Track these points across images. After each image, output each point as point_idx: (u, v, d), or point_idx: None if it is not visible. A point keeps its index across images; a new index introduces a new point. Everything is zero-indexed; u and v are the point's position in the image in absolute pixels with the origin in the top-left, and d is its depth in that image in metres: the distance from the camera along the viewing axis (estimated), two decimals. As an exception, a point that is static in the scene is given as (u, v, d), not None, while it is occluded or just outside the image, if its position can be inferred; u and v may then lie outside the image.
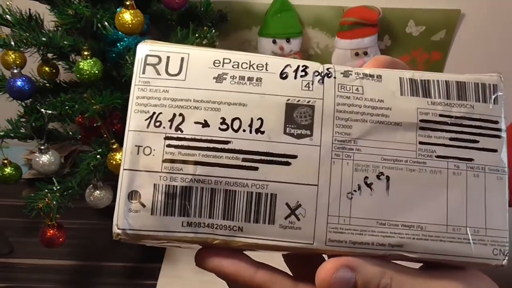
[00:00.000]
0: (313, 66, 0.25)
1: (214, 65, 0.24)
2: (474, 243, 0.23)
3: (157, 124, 0.23)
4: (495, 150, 0.24)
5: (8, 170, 0.68)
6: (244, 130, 0.23)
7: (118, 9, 0.63)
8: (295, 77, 0.24)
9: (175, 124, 0.23)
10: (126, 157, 0.23)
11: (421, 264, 0.26)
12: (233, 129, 0.23)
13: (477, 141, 0.24)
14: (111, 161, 0.65)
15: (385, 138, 0.24)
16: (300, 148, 0.23)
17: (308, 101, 0.24)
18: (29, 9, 0.67)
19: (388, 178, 0.23)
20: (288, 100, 0.24)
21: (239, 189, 0.23)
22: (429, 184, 0.24)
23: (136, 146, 0.23)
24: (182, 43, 0.67)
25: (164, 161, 0.23)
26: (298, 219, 0.23)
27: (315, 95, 0.24)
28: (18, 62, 0.68)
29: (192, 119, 0.23)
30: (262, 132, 0.23)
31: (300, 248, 0.23)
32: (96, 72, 0.63)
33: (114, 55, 0.70)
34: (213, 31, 0.71)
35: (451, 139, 0.24)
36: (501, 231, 0.24)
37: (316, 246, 0.23)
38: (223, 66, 0.24)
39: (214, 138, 0.23)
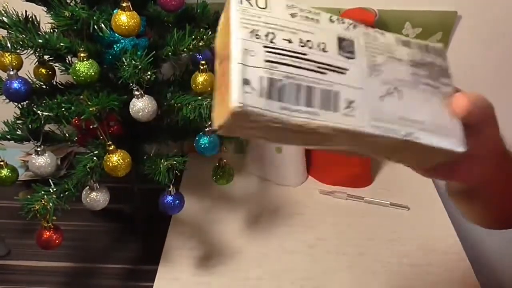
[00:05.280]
0: (347, 19, 0.36)
1: (287, 6, 0.34)
2: (447, 136, 0.36)
3: (257, 36, 0.32)
4: (449, 85, 0.38)
5: (4, 172, 0.68)
6: (315, 48, 0.33)
7: (114, 11, 0.63)
8: (338, 23, 0.36)
9: (269, 38, 0.32)
10: (238, 54, 0.31)
11: None
12: (308, 47, 0.33)
13: (439, 79, 0.38)
14: (108, 163, 0.65)
15: (395, 66, 0.36)
16: (349, 64, 0.34)
17: (350, 37, 0.35)
18: (26, 11, 0.67)
19: (400, 90, 0.35)
20: (339, 35, 0.35)
21: (315, 86, 0.32)
22: (422, 97, 0.36)
23: (245, 49, 0.31)
24: (179, 43, 0.67)
25: (265, 61, 0.31)
26: (353, 110, 0.33)
27: (353, 34, 0.36)
28: (14, 64, 0.68)
29: (280, 37, 0.32)
30: (326, 51, 0.34)
31: (353, 130, 0.33)
32: (93, 74, 0.63)
33: (110, 57, 0.69)
34: (210, 32, 0.71)
35: (428, 75, 0.37)
36: (458, 130, 0.37)
37: (365, 129, 0.33)
38: (293, 8, 0.34)
39: (296, 50, 0.33)
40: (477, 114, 0.37)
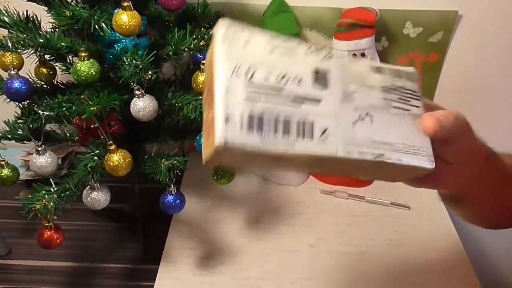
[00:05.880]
0: (323, 50, 0.39)
1: (267, 42, 0.37)
2: (416, 154, 0.39)
3: (238, 74, 0.34)
4: (418, 106, 0.41)
5: (5, 171, 0.68)
6: (291, 81, 0.36)
7: (115, 11, 0.63)
8: (315, 55, 0.38)
9: (249, 75, 0.35)
10: (220, 93, 0.33)
11: None
12: (284, 81, 0.36)
13: (409, 101, 0.41)
14: (109, 162, 0.65)
15: (367, 93, 0.39)
16: (323, 95, 0.37)
17: (324, 68, 0.38)
18: (27, 11, 0.67)
19: (372, 115, 0.38)
20: (314, 67, 0.37)
21: (292, 117, 0.35)
22: (392, 120, 0.39)
23: (226, 87, 0.34)
24: (180, 42, 0.67)
25: (245, 98, 0.34)
26: (327, 137, 0.36)
27: (328, 65, 0.38)
28: (15, 63, 0.68)
29: (259, 73, 0.35)
30: (301, 83, 0.36)
31: (328, 155, 0.36)
32: (94, 73, 0.63)
33: (111, 56, 0.70)
34: (210, 32, 0.71)
35: (399, 98, 0.40)
36: (428, 148, 0.40)
37: (338, 154, 0.36)
38: (272, 43, 0.37)
39: (274, 86, 0.35)
40: (445, 132, 0.39)
